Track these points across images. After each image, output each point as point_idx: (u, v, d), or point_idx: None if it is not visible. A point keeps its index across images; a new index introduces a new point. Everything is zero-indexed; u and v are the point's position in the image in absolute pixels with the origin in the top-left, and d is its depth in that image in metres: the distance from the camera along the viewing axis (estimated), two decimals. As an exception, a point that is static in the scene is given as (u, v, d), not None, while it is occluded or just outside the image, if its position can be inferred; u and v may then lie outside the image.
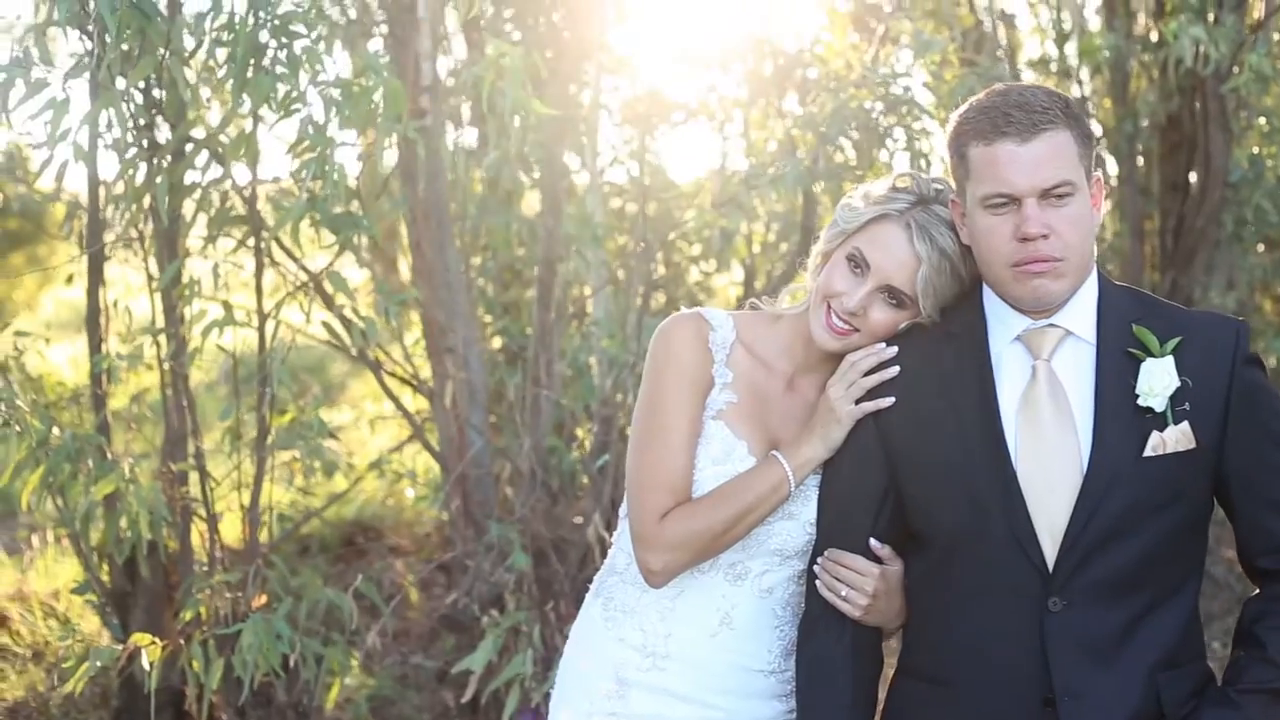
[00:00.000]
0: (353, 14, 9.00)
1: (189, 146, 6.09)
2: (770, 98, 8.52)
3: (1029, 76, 10.32)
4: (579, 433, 8.15)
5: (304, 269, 6.49)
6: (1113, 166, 9.90)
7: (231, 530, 7.80)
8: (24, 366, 7.56)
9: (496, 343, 9.17)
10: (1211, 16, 8.48)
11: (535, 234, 7.97)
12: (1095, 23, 10.11)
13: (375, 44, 8.60)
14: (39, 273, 15.87)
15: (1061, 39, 10.18)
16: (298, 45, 5.58)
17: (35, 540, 9.73)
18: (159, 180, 5.92)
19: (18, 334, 7.72)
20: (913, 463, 4.08)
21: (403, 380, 7.56)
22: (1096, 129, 9.99)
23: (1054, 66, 10.19)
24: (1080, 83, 10.01)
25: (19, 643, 8.42)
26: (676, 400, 4.33)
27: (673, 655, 4.38)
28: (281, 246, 6.47)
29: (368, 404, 12.94)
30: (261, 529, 8.55)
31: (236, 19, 5.51)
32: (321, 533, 10.12)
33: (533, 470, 7.17)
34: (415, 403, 7.89)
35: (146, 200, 6.04)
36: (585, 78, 7.99)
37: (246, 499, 6.77)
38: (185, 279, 6.23)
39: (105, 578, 7.06)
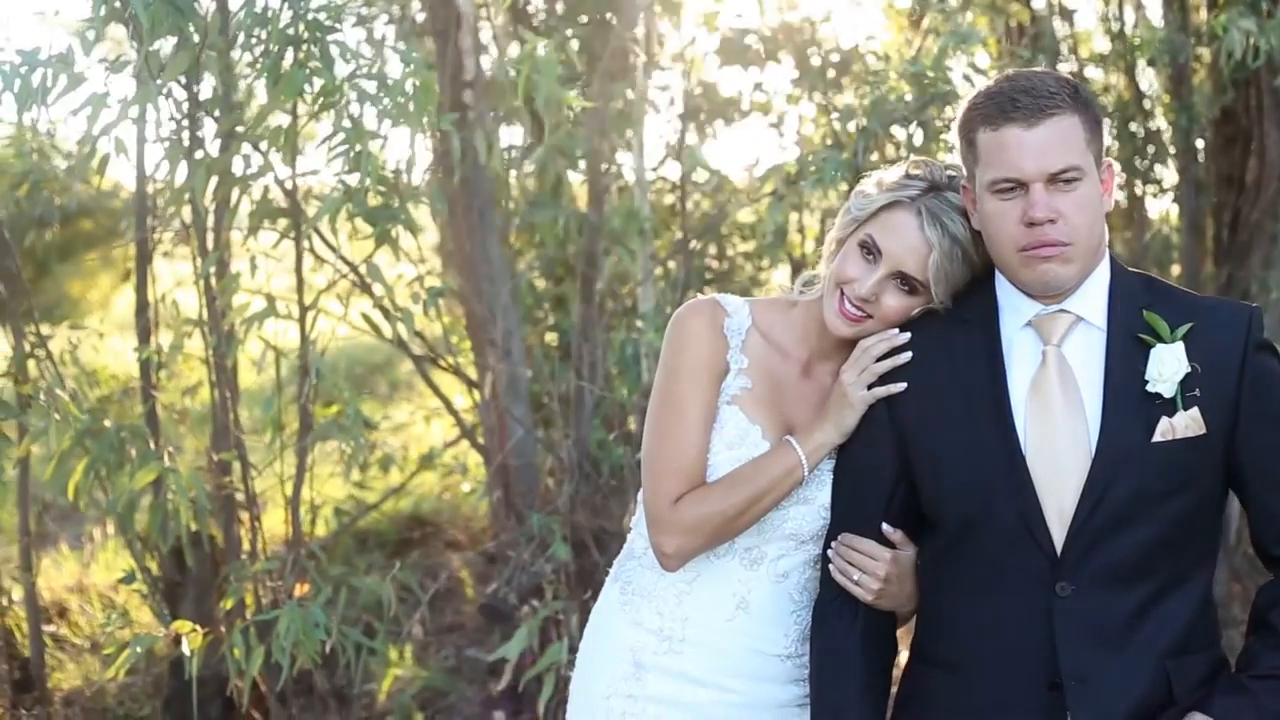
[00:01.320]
0: (418, 15, 9.08)
1: (230, 139, 6.16)
2: (823, 92, 8.55)
3: (1089, 71, 10.27)
4: (632, 425, 8.19)
5: (345, 260, 6.55)
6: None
7: (285, 523, 7.90)
8: (78, 359, 7.71)
9: (551, 337, 9.22)
10: (1265, 9, 8.39)
11: (584, 228, 8.01)
12: (1158, 18, 10.03)
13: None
14: (113, 272, 16.09)
15: (1121, 33, 10.10)
16: (332, 40, 5.64)
17: (97, 534, 9.89)
18: (199, 174, 6.00)
19: (73, 327, 7.86)
20: (924, 447, 4.09)
21: (452, 372, 7.62)
22: (1163, 125, 9.94)
23: (1099, 62, 10.12)
24: (1135, 78, 9.92)
25: (77, 634, 8.55)
26: (691, 386, 4.36)
27: (689, 639, 4.41)
28: (323, 239, 6.54)
29: (433, 401, 13.04)
30: (318, 522, 8.69)
31: (270, 13, 5.58)
32: (379, 526, 10.22)
33: (577, 462, 7.22)
34: (471, 397, 7.93)
35: (189, 194, 6.11)
36: (633, 73, 8.01)
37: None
38: (229, 272, 6.30)
39: (155, 568, 7.16)
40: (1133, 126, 9.80)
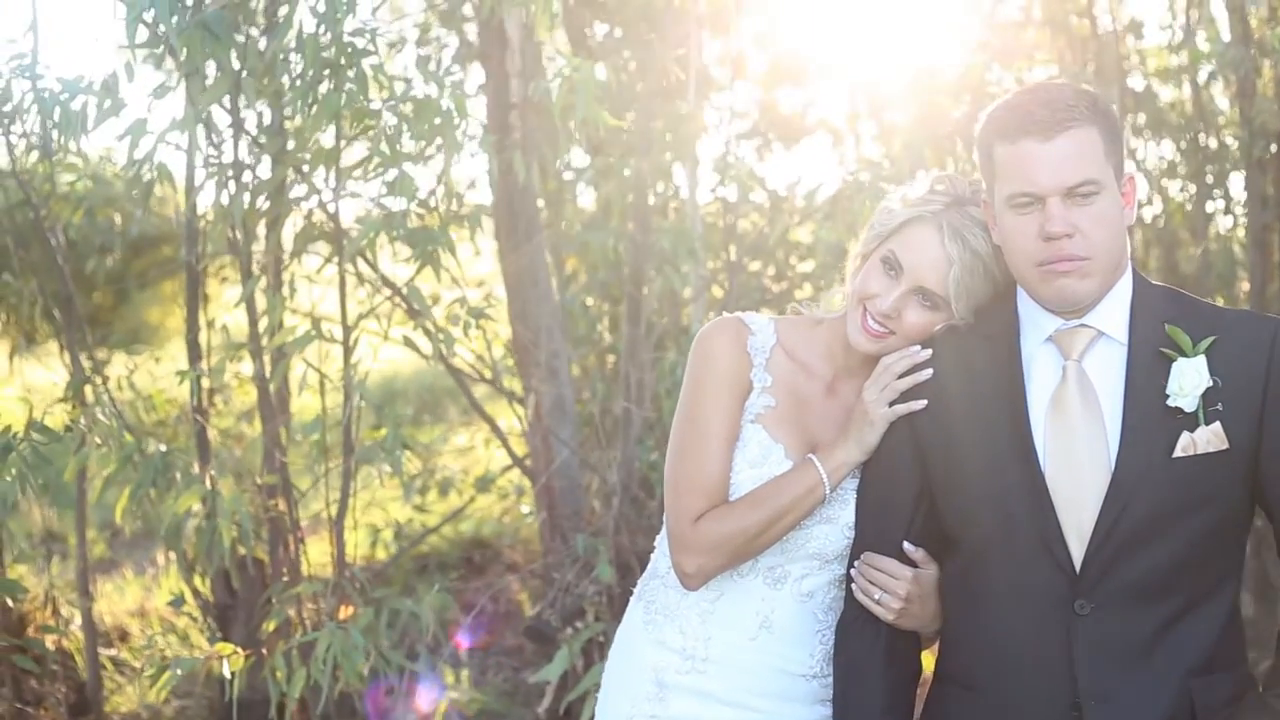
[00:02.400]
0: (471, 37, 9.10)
1: (273, 164, 6.19)
2: (879, 111, 8.52)
3: (1156, 86, 10.18)
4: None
5: (388, 283, 6.57)
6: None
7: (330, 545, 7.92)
8: (134, 385, 7.78)
9: (611, 359, 9.20)
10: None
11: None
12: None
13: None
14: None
15: (1187, 47, 9.99)
16: (368, 64, 5.66)
17: (161, 558, 9.97)
18: (239, 198, 6.04)
19: (128, 352, 7.95)
20: (944, 465, 4.05)
21: (502, 393, 7.65)
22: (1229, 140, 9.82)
23: (1165, 77, 10.03)
24: (1200, 92, 9.81)
25: (137, 657, 8.60)
26: (714, 404, 4.35)
27: (712, 658, 4.39)
28: (368, 262, 6.55)
29: (500, 422, 13.09)
30: (377, 545, 8.71)
31: (305, 37, 5.60)
32: (440, 549, 10.24)
33: (624, 484, 7.21)
34: (519, 418, 7.94)
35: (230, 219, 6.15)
36: (683, 92, 7.99)
37: (359, 516, 6.86)
38: (275, 295, 6.33)
39: (207, 591, 7.21)
40: (1200, 140, 9.70)
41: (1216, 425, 3.83)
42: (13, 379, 9.34)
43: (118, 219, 8.38)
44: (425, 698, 6.89)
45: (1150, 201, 10.22)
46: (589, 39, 8.98)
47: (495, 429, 7.54)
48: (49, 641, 7.72)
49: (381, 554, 9.66)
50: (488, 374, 7.84)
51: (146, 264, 15.10)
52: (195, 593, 7.18)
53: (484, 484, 8.85)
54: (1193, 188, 9.95)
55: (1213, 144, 9.81)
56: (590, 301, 8.84)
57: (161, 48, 5.90)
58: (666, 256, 7.54)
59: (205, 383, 7.02)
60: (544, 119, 7.09)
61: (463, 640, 7.41)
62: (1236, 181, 9.89)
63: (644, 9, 8.05)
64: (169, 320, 18.49)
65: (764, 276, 9.31)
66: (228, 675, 5.83)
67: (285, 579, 6.54)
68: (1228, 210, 10.08)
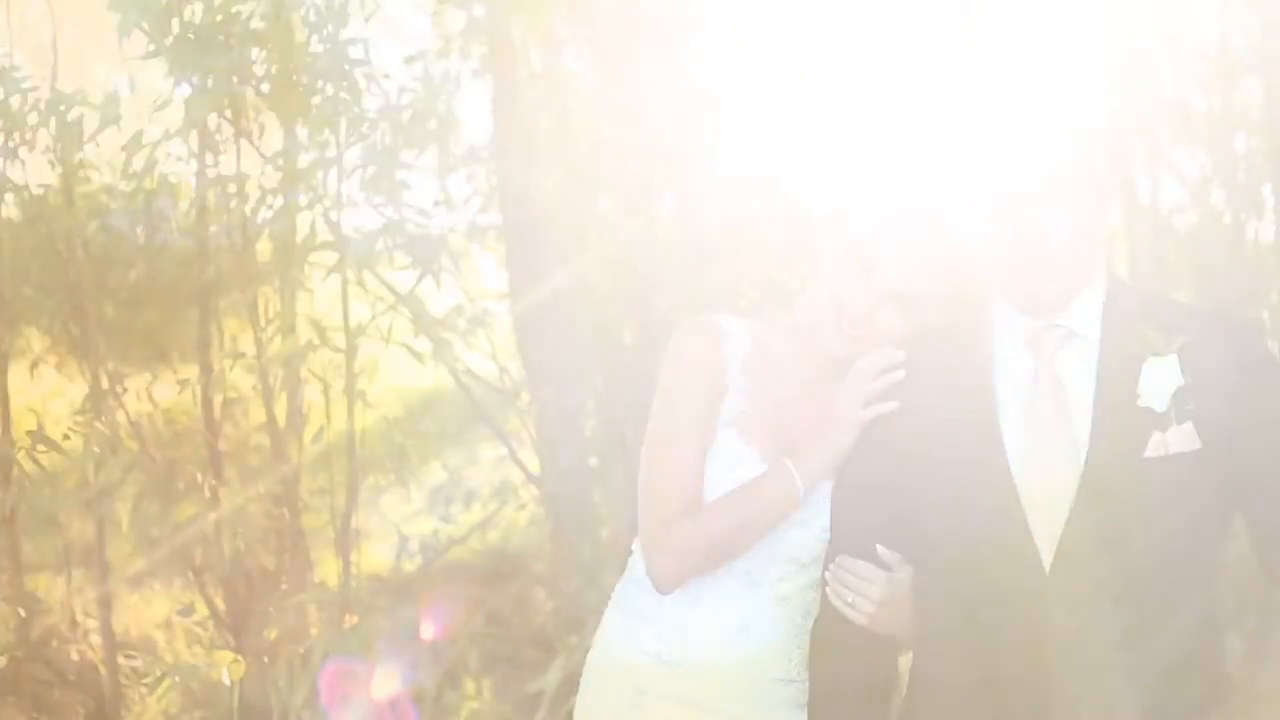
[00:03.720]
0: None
1: (276, 173, 6.22)
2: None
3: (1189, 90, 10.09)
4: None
5: (392, 291, 6.58)
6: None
7: (372, 559, 7.94)
8: (151, 396, 7.81)
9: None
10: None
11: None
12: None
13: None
14: (238, 316, 16.37)
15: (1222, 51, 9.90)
16: (362, 72, 5.68)
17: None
18: (246, 208, 6.07)
19: (147, 365, 7.98)
20: (917, 466, 4.01)
21: (513, 403, 7.66)
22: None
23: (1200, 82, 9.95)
24: (1229, 93, 9.71)
25: (155, 668, 8.63)
26: (687, 408, 4.32)
27: (689, 662, 4.36)
28: (371, 271, 6.56)
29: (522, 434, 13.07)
30: (400, 557, 8.72)
31: (299, 46, 5.62)
32: (466, 561, 10.23)
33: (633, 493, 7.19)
34: (525, 428, 7.95)
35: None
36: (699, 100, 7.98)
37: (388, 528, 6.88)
38: (274, 305, 6.36)
39: (220, 601, 7.23)
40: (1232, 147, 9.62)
41: (1189, 425, 3.78)
42: (58, 394, 9.40)
43: (139, 232, 8.39)
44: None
45: (1185, 211, 10.15)
46: (606, 49, 8.97)
47: (503, 438, 7.53)
48: (73, 652, 7.76)
49: (408, 566, 9.66)
50: (505, 385, 7.84)
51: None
52: (209, 602, 7.20)
53: (501, 494, 8.84)
54: (1224, 195, 9.85)
55: (1242, 149, 9.70)
56: (610, 311, 8.81)
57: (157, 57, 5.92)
58: (680, 265, 7.51)
59: (219, 395, 7.03)
60: (553, 127, 7.10)
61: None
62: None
63: (659, 17, 8.05)
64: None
65: (786, 286, 9.27)
66: (227, 683, 5.82)
67: (284, 588, 6.55)
68: (1260, 218, 9.97)
